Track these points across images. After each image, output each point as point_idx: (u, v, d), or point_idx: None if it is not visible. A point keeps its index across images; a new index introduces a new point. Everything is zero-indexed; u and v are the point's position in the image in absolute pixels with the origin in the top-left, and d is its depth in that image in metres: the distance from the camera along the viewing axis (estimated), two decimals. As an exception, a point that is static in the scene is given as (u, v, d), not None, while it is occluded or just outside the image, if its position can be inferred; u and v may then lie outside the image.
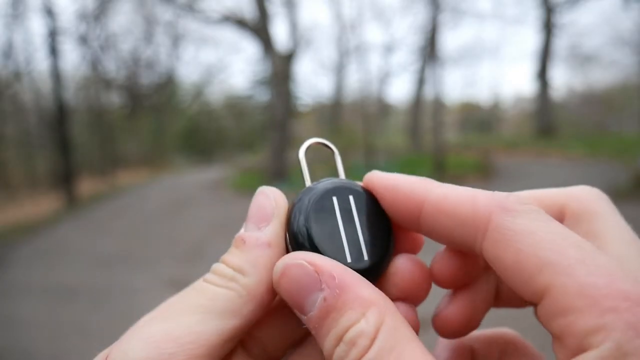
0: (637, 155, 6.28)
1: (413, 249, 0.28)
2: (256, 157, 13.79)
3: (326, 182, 0.26)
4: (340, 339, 0.21)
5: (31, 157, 10.20)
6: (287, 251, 0.25)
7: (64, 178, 8.21)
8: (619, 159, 7.77)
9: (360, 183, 0.27)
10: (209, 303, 0.23)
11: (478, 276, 0.27)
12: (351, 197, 0.26)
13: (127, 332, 0.23)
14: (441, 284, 0.26)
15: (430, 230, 0.24)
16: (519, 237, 0.20)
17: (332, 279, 0.21)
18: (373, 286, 0.22)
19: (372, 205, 0.26)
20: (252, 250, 0.24)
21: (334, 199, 0.25)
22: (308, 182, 0.27)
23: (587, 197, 0.25)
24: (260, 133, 15.85)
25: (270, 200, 0.26)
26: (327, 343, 0.21)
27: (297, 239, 0.24)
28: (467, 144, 12.77)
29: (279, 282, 0.23)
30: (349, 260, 0.24)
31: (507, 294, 0.29)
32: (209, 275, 0.25)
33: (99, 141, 12.85)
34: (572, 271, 0.18)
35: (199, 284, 0.25)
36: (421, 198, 0.24)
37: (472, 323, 0.27)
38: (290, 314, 0.28)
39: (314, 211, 0.25)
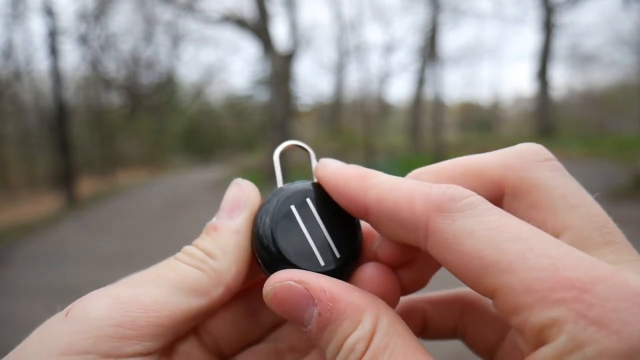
0: (637, 155, 6.28)
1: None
2: (256, 157, 13.79)
3: (289, 188, 0.26)
4: (340, 348, 0.21)
5: (31, 157, 10.20)
6: (252, 243, 0.26)
7: (64, 178, 8.21)
8: (619, 159, 7.76)
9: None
10: (178, 278, 0.24)
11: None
12: (308, 200, 0.26)
13: (94, 291, 0.23)
14: (388, 264, 0.26)
15: (378, 228, 0.24)
16: (458, 241, 0.20)
17: (322, 292, 0.22)
18: (362, 290, 0.22)
19: (330, 201, 0.26)
20: (222, 237, 0.25)
21: (292, 207, 0.25)
22: (280, 184, 0.28)
23: (523, 164, 0.23)
24: (260, 133, 15.84)
25: (244, 192, 0.27)
26: (329, 352, 0.22)
27: (262, 243, 0.25)
28: (467, 144, 12.76)
29: (271, 303, 0.23)
30: (322, 263, 0.24)
31: None
32: (180, 255, 0.25)
33: (99, 141, 12.85)
34: (514, 268, 0.18)
35: (170, 260, 0.25)
36: (363, 201, 0.24)
37: (418, 283, 0.27)
38: (247, 314, 0.29)
39: (277, 223, 0.25)
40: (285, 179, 0.28)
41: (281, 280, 0.22)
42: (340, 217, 0.26)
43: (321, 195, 0.26)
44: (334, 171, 0.25)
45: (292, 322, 0.23)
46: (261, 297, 0.29)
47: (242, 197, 0.27)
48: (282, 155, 0.29)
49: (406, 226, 0.22)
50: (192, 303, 0.23)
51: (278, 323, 0.30)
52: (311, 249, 0.25)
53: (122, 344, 0.21)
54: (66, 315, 0.22)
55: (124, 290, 0.23)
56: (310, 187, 0.26)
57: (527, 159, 0.23)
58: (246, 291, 0.30)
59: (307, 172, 0.30)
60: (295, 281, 0.22)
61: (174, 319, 0.23)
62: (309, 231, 0.25)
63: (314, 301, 0.22)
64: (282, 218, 0.25)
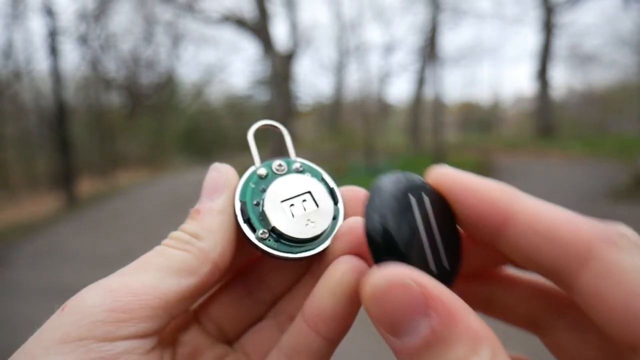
0: (637, 155, 6.28)
1: None
2: (256, 157, 13.73)
3: (396, 179, 0.23)
4: None
5: (31, 157, 10.20)
6: (236, 218, 0.26)
7: (64, 178, 8.20)
8: (619, 159, 7.76)
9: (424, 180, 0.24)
10: (166, 262, 0.24)
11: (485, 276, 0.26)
12: (427, 199, 0.22)
13: (87, 286, 0.23)
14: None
15: (512, 247, 0.21)
16: (629, 276, 0.18)
17: (441, 305, 0.18)
18: (477, 315, 0.19)
19: (445, 207, 0.23)
20: (205, 218, 0.26)
21: (412, 199, 0.22)
22: (257, 162, 0.28)
23: (612, 241, 0.20)
24: (260, 133, 15.79)
25: (222, 174, 0.27)
26: None
27: (373, 240, 0.21)
28: (467, 144, 12.76)
29: (373, 299, 0.19)
30: (433, 268, 0.21)
31: (508, 308, 0.26)
32: (166, 240, 0.26)
33: (99, 141, 12.84)
34: None
35: (157, 246, 0.25)
36: (506, 210, 0.21)
37: None
38: (245, 294, 0.29)
39: (392, 212, 0.21)
40: (263, 160, 0.29)
41: (398, 275, 0.19)
42: (449, 227, 0.23)
43: (436, 198, 0.23)
44: (468, 175, 0.23)
45: (381, 326, 0.19)
46: (258, 276, 0.30)
47: (221, 178, 0.27)
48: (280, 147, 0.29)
49: (562, 249, 0.19)
50: (182, 283, 0.24)
51: (277, 298, 0.30)
52: (423, 247, 0.21)
53: (116, 327, 0.21)
54: (62, 311, 0.22)
55: (115, 279, 0.23)
56: (427, 185, 0.23)
57: (613, 237, 0.20)
58: (242, 272, 0.30)
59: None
60: (414, 281, 0.19)
61: (165, 300, 0.23)
62: (425, 231, 0.22)
63: (427, 311, 0.18)
64: (397, 204, 0.21)
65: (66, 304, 0.22)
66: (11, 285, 3.38)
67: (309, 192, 0.27)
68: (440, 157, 8.28)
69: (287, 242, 0.26)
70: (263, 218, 0.27)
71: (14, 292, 3.17)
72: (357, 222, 0.25)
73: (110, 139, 13.59)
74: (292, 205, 0.27)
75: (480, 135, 18.00)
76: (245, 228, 0.26)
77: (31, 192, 8.84)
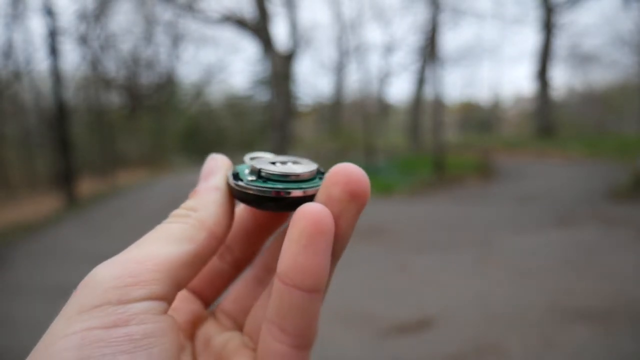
0: (637, 155, 6.28)
1: None
2: (256, 157, 13.70)
3: None
4: None
5: (31, 157, 10.20)
6: (228, 182, 0.29)
7: (64, 178, 8.20)
8: (619, 159, 7.77)
9: None
10: (166, 234, 0.26)
11: None
12: None
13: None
14: None
15: None
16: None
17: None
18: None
19: None
20: (202, 195, 0.28)
21: None
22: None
23: None
24: (260, 133, 15.83)
25: (217, 161, 0.30)
26: None
27: None
28: (467, 144, 12.77)
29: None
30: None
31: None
32: (166, 219, 0.28)
33: (99, 141, 12.84)
34: None
35: (157, 225, 0.28)
36: None
37: None
38: (254, 284, 0.32)
39: None
40: None
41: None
42: None
43: None
44: None
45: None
46: (265, 265, 0.31)
47: (216, 164, 0.30)
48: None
49: None
50: (181, 249, 0.26)
51: None
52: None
53: (127, 290, 0.23)
54: (76, 291, 0.25)
55: (122, 255, 0.25)
56: None
57: None
58: (251, 262, 0.32)
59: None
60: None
61: (167, 264, 0.25)
62: None
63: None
64: None
65: (78, 285, 0.25)
66: (11, 285, 3.38)
67: (295, 160, 0.29)
68: (440, 157, 8.27)
69: (277, 180, 0.27)
70: (251, 169, 0.28)
71: (14, 292, 3.17)
72: (348, 164, 0.25)
73: (110, 139, 13.59)
74: (280, 163, 0.29)
75: (480, 135, 18.00)
76: (235, 181, 0.28)
77: (31, 192, 8.85)
